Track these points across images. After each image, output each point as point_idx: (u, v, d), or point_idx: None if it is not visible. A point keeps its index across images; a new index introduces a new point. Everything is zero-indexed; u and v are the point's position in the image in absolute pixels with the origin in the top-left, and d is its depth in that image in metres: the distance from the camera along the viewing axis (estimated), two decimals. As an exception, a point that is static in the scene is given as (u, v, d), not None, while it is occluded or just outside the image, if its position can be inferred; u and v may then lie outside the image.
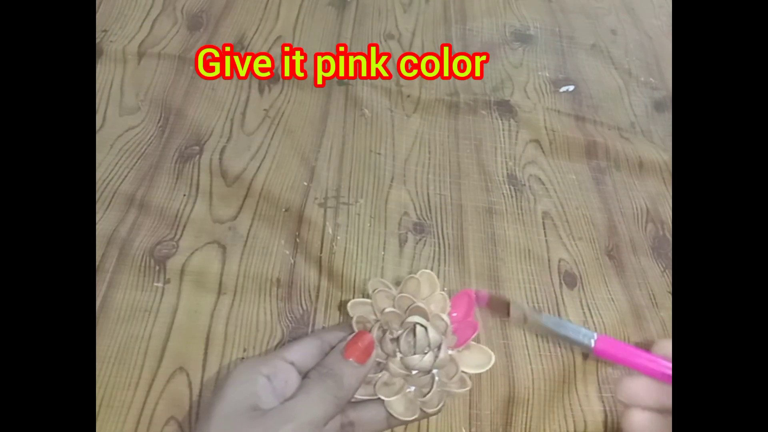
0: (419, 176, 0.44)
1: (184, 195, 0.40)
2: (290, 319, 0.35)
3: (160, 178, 0.41)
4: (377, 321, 0.31)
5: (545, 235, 0.43)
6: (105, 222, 0.38)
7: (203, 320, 0.35)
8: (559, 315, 0.38)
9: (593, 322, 0.39)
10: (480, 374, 0.35)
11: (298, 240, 0.39)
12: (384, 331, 0.30)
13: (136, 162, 0.41)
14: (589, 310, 0.39)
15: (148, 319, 0.34)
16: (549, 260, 0.41)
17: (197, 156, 0.42)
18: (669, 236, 0.45)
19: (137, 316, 0.34)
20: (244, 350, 0.34)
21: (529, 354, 0.36)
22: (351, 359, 0.28)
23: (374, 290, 0.31)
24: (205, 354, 0.33)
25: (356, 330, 0.30)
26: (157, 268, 0.36)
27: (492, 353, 0.30)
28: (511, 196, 0.44)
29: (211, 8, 0.53)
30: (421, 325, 0.30)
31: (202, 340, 0.34)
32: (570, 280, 0.40)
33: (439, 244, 0.41)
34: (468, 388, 0.30)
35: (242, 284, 0.36)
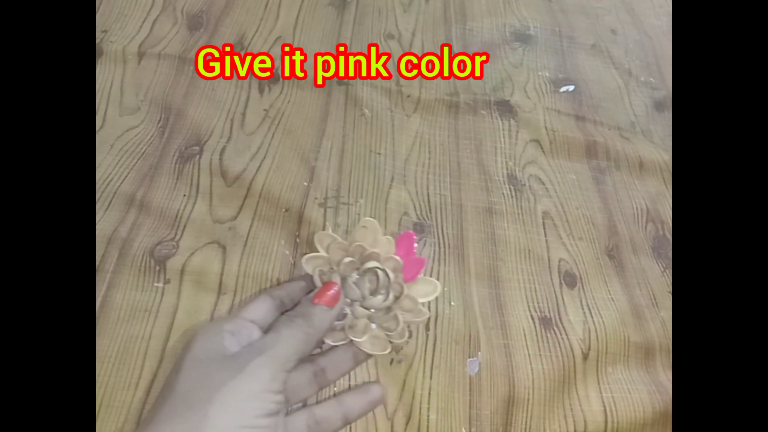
0: (419, 176, 0.44)
1: (184, 195, 0.40)
2: (290, 319, 0.35)
3: (160, 178, 0.41)
4: (333, 271, 0.33)
5: (545, 235, 0.43)
6: (105, 222, 0.38)
7: (203, 320, 0.35)
8: (559, 315, 0.38)
9: (593, 321, 0.39)
10: (480, 374, 0.35)
11: (298, 240, 0.39)
12: (343, 279, 0.33)
13: (136, 162, 0.41)
14: (589, 310, 0.39)
15: (148, 319, 0.34)
16: (549, 260, 0.41)
17: (197, 156, 0.42)
18: (669, 236, 0.45)
19: (137, 316, 0.34)
20: (244, 350, 0.34)
21: (529, 354, 0.36)
22: (321, 304, 0.31)
23: (327, 244, 0.34)
24: (205, 354, 0.33)
25: (320, 282, 0.33)
26: (157, 268, 0.36)
27: (437, 282, 0.35)
28: (511, 196, 0.44)
29: (211, 8, 0.53)
30: (380, 269, 0.33)
31: (202, 340, 0.34)
32: (570, 280, 0.41)
33: (439, 244, 0.41)
34: (426, 317, 0.34)
35: (242, 284, 0.36)
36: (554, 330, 0.38)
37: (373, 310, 0.33)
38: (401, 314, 0.33)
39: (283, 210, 0.40)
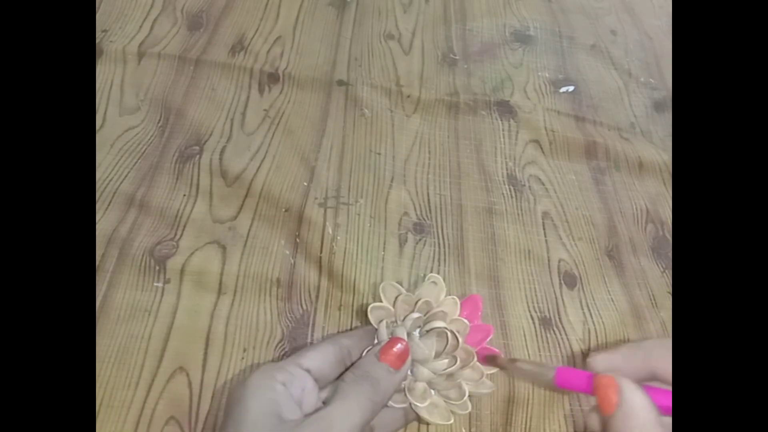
0: (419, 176, 0.44)
1: (184, 195, 0.40)
2: (290, 319, 0.35)
3: (160, 178, 0.41)
4: (397, 325, 0.31)
5: (545, 235, 0.43)
6: (105, 222, 0.38)
7: (203, 320, 0.35)
8: (559, 315, 0.38)
9: (593, 322, 0.39)
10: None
11: (298, 240, 0.39)
12: (408, 336, 0.30)
13: (136, 162, 0.41)
14: (589, 310, 0.39)
15: (148, 319, 0.34)
16: (549, 260, 0.41)
17: (197, 156, 0.42)
18: (669, 236, 0.45)
19: (137, 316, 0.34)
20: (244, 350, 0.34)
21: (529, 354, 0.36)
22: (386, 364, 0.28)
23: (394, 297, 0.31)
24: (205, 354, 0.33)
25: (387, 335, 0.30)
26: (157, 268, 0.36)
27: (501, 354, 0.32)
28: (511, 196, 0.44)
29: (211, 8, 0.53)
30: (448, 330, 0.30)
31: (202, 340, 0.34)
32: (570, 280, 0.40)
33: (439, 244, 0.41)
34: (492, 390, 0.31)
35: (242, 284, 0.36)
36: (554, 330, 0.38)
37: (434, 375, 0.30)
38: (465, 384, 0.30)
39: (283, 210, 0.40)
